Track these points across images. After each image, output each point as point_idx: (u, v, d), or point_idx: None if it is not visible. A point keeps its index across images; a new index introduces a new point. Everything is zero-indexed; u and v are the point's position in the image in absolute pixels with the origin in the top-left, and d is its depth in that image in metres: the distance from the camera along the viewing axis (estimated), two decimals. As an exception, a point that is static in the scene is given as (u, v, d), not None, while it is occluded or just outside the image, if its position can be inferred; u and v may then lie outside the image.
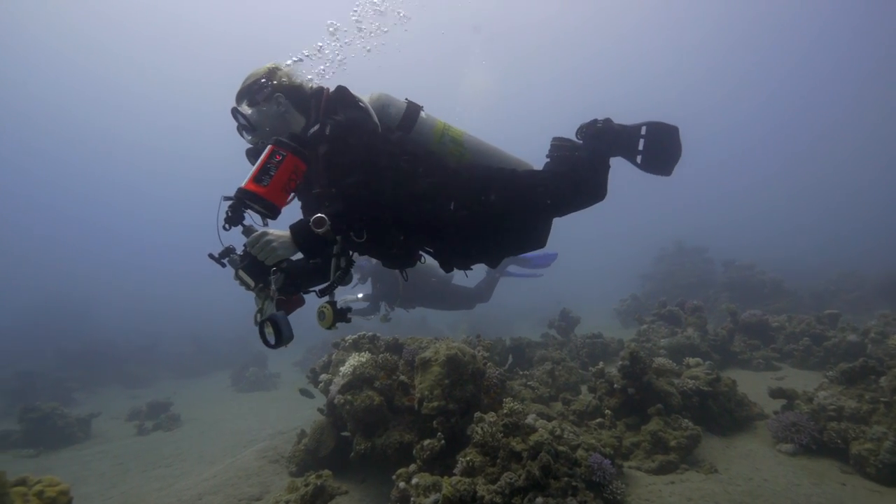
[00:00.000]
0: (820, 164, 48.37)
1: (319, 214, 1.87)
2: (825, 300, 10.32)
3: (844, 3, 30.13)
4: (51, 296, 22.29)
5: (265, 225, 1.98)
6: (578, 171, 2.59)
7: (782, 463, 3.21)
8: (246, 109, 2.28)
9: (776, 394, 3.92)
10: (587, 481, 2.56)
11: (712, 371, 4.08)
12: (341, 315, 2.09)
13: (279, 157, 1.92)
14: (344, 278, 2.15)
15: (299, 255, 2.05)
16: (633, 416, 3.67)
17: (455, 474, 2.69)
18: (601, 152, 2.67)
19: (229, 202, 1.90)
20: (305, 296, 2.34)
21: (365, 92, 2.42)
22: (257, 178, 1.89)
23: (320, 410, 4.21)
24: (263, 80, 2.28)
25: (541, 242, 2.67)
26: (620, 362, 3.81)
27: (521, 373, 5.12)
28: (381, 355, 3.95)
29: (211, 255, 1.96)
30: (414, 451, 3.08)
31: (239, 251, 2.01)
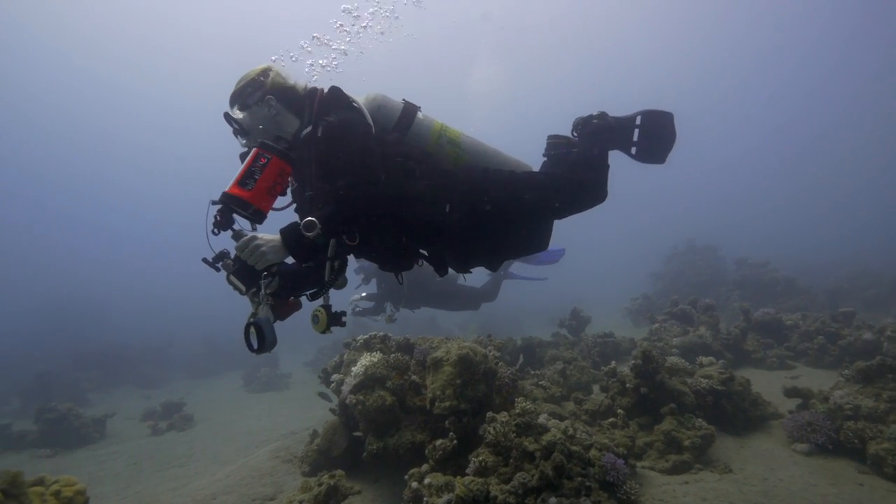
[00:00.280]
0: (827, 160, 47.83)
1: (310, 218, 1.84)
2: (839, 298, 10.17)
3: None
4: (66, 299, 22.63)
5: (254, 229, 1.95)
6: (577, 172, 2.54)
7: (798, 463, 3.17)
8: (237, 114, 2.26)
9: (791, 393, 3.88)
10: (601, 481, 2.55)
11: (726, 370, 4.05)
12: (336, 319, 2.07)
13: (264, 161, 1.89)
14: (336, 281, 2.12)
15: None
16: (645, 416, 3.65)
17: (468, 474, 2.70)
18: (600, 151, 2.62)
19: (218, 206, 1.87)
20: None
21: (360, 93, 2.38)
22: (242, 181, 1.86)
23: (332, 411, 4.24)
24: (254, 83, 2.25)
25: (540, 245, 2.63)
26: (633, 361, 3.79)
27: (532, 372, 5.11)
28: (393, 355, 3.96)
29: (205, 260, 1.96)
30: (426, 451, 3.09)
31: (233, 255, 1.99)
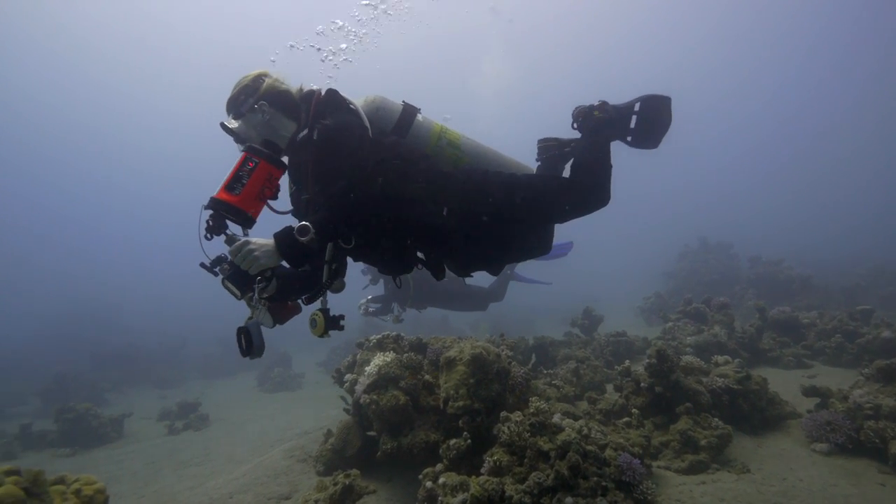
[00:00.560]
0: (835, 154, 47.02)
1: (304, 222, 1.83)
2: (857, 296, 9.99)
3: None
4: (83, 302, 23.03)
5: (245, 234, 1.93)
6: (580, 175, 2.47)
7: (817, 463, 3.12)
8: (232, 123, 2.24)
9: (809, 392, 3.82)
10: (616, 481, 2.54)
11: (742, 369, 4.00)
12: (334, 322, 2.06)
13: (251, 165, 1.87)
14: (333, 284, 2.11)
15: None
16: (660, 416, 3.63)
17: (482, 474, 2.70)
18: (602, 152, 2.54)
19: (210, 211, 1.85)
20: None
21: (371, 90, 2.37)
22: (229, 186, 1.84)
23: (346, 410, 4.27)
24: (246, 90, 2.23)
25: (542, 250, 2.58)
26: (647, 360, 3.77)
27: (545, 372, 5.10)
28: (406, 355, 3.97)
29: (203, 265, 1.94)
30: (440, 451, 3.10)
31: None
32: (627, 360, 4.80)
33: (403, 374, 3.75)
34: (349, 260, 2.32)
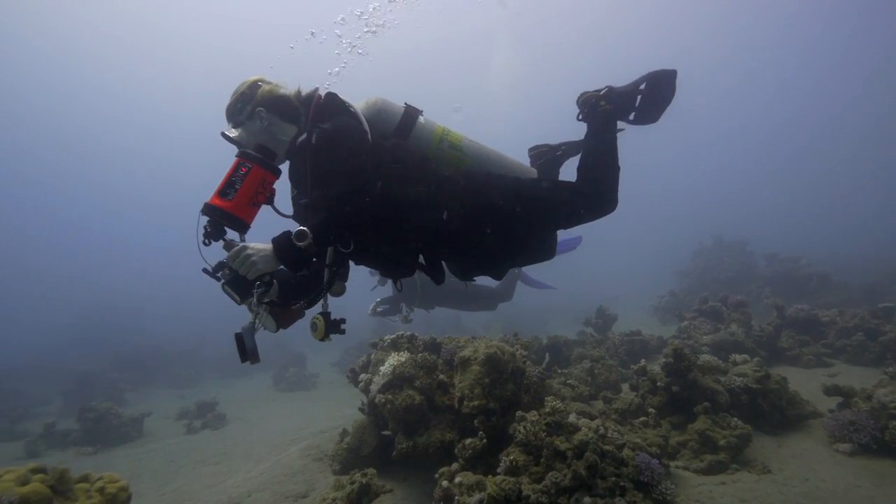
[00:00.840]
0: (843, 148, 45.84)
1: (301, 227, 1.83)
2: (878, 294, 9.76)
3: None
4: (103, 306, 23.48)
5: (242, 239, 1.93)
6: (586, 181, 2.40)
7: (840, 463, 3.07)
8: (233, 131, 2.24)
9: (831, 391, 3.75)
10: (635, 481, 2.52)
11: (761, 368, 3.94)
12: (335, 326, 2.05)
13: (244, 170, 1.86)
14: (332, 288, 2.10)
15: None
16: (677, 415, 3.59)
17: (498, 473, 2.70)
18: (610, 152, 2.45)
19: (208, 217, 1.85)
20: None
21: (359, 98, 2.33)
22: (222, 192, 1.83)
23: (361, 410, 4.30)
24: (243, 98, 2.23)
25: (546, 255, 2.55)
26: (664, 360, 3.73)
27: (559, 371, 5.07)
28: (420, 355, 3.98)
29: (205, 270, 1.94)
30: (455, 450, 3.10)
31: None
32: (643, 360, 4.76)
33: (418, 373, 3.76)
34: (355, 263, 2.32)
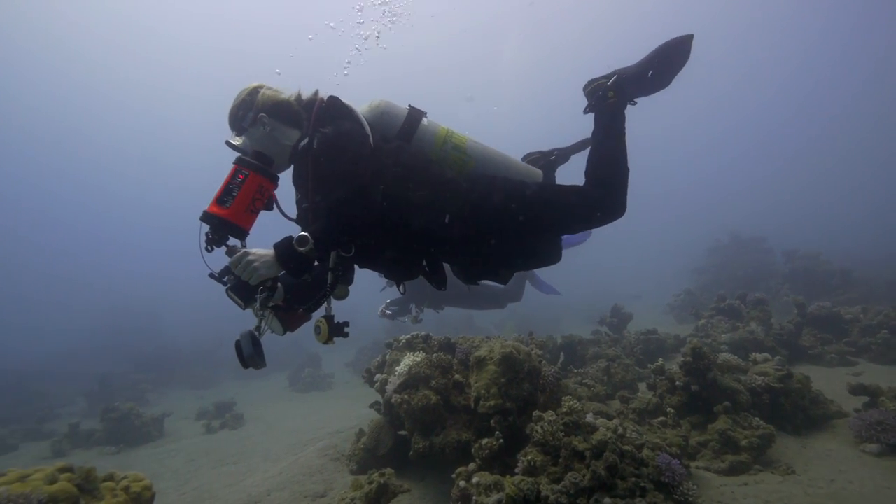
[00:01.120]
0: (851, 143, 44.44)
1: (303, 233, 1.83)
2: (902, 290, 9.52)
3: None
4: (123, 308, 23.97)
5: (243, 245, 1.93)
6: (594, 186, 2.32)
7: (867, 464, 2.99)
8: (236, 139, 2.23)
9: (857, 390, 3.67)
10: (655, 482, 2.49)
11: (783, 367, 3.87)
12: (338, 329, 2.05)
13: (241, 177, 1.86)
14: (334, 291, 2.09)
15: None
16: (697, 415, 3.54)
17: (516, 473, 2.69)
18: (619, 153, 2.34)
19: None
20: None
21: (364, 99, 2.31)
22: (220, 199, 1.84)
23: (377, 410, 4.32)
24: (244, 105, 2.22)
25: (551, 259, 2.49)
26: (682, 358, 3.68)
27: (574, 371, 5.04)
28: (436, 354, 3.99)
29: (211, 275, 1.95)
30: (472, 450, 3.10)
31: None
32: (660, 359, 4.71)
33: (434, 373, 3.77)
34: (359, 266, 2.31)
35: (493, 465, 2.98)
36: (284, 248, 1.86)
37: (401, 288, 2.60)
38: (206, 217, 1.84)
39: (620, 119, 2.42)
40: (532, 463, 2.67)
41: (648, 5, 35.26)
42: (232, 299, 1.94)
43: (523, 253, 2.38)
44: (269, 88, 2.26)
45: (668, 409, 3.57)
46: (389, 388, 3.87)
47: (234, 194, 1.84)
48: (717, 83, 39.57)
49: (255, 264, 1.83)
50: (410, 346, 4.32)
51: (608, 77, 2.51)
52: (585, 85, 2.58)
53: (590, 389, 4.38)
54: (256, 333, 1.99)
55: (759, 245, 14.31)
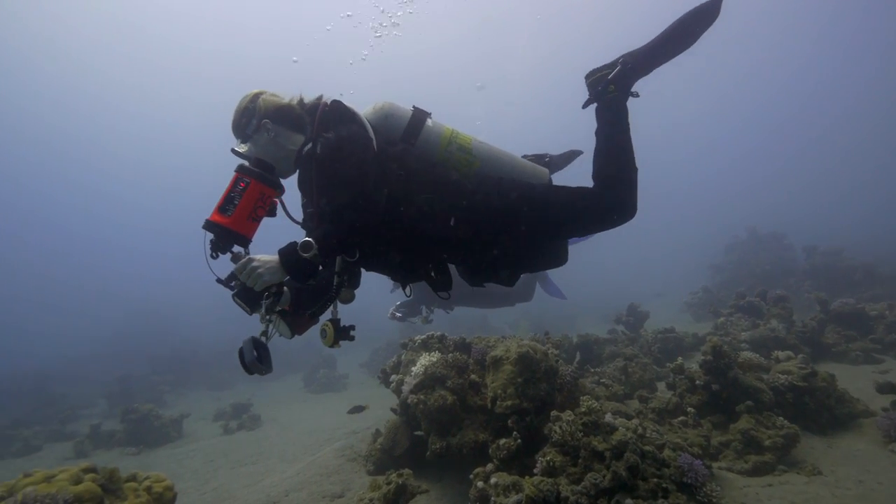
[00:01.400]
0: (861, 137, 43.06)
1: (307, 238, 1.83)
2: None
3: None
4: (141, 312, 24.42)
5: (247, 251, 1.93)
6: (602, 188, 2.25)
7: (897, 465, 2.91)
8: (242, 147, 2.24)
9: (885, 388, 3.57)
10: (678, 483, 2.45)
11: (806, 365, 3.78)
12: (344, 333, 2.06)
13: (243, 185, 1.87)
14: (338, 295, 2.10)
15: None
16: (718, 415, 3.48)
17: (535, 474, 2.67)
18: (625, 153, 2.25)
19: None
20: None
21: (365, 103, 2.28)
22: (222, 207, 1.85)
23: (393, 410, 4.32)
24: (246, 112, 2.22)
25: (558, 262, 2.46)
26: (702, 357, 3.62)
27: (591, 370, 4.99)
28: (451, 355, 3.98)
29: (219, 280, 1.96)
30: (490, 451, 3.09)
31: None
32: (679, 357, 4.64)
33: (450, 373, 3.76)
34: (365, 269, 2.30)
35: (511, 465, 2.96)
36: (289, 254, 1.86)
37: (407, 290, 2.59)
38: (209, 225, 1.85)
39: (623, 114, 2.34)
40: (551, 463, 2.65)
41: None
42: (238, 305, 1.96)
43: (529, 256, 2.35)
44: (270, 94, 2.26)
45: (689, 409, 3.52)
46: (405, 388, 3.87)
47: (236, 202, 1.85)
48: (729, 77, 38.89)
49: (260, 270, 1.84)
50: (426, 346, 4.31)
51: (611, 67, 2.41)
52: (588, 74, 2.49)
53: (607, 389, 4.33)
54: (262, 339, 2.00)
55: (778, 241, 14.03)
